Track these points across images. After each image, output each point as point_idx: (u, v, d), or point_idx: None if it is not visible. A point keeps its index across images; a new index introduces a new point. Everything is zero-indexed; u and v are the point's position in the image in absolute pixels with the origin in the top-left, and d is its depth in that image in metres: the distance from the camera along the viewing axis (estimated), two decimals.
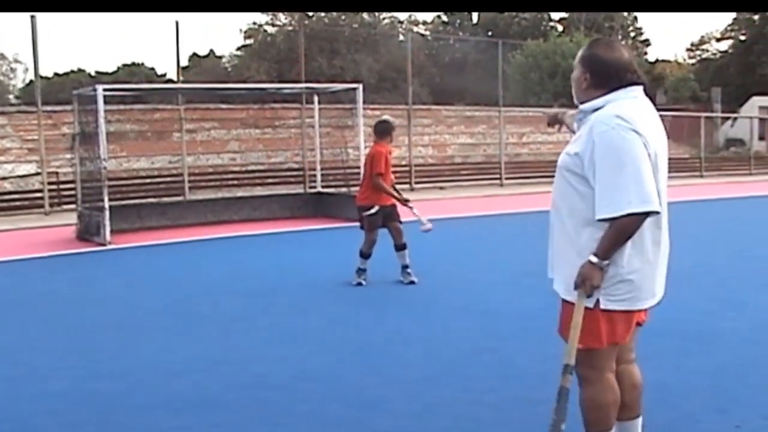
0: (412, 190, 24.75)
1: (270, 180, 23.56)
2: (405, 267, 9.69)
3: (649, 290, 3.81)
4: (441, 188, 26.21)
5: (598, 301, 3.72)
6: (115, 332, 7.61)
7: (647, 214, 3.57)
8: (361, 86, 17.06)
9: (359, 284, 9.60)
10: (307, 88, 20.08)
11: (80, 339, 7.40)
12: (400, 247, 9.71)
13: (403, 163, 25.53)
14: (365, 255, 9.70)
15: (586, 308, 3.73)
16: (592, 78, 3.78)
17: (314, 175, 19.48)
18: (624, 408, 4.04)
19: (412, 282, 9.59)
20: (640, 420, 4.15)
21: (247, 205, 17.44)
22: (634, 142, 3.56)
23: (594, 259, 3.64)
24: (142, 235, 14.98)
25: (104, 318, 8.28)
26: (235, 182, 23.49)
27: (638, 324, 3.97)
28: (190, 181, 21.48)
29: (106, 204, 13.98)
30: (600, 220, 3.61)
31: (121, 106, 24.45)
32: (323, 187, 18.86)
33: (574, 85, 3.87)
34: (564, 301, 3.87)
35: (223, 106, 27.81)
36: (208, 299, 9.10)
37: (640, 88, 3.77)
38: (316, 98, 18.86)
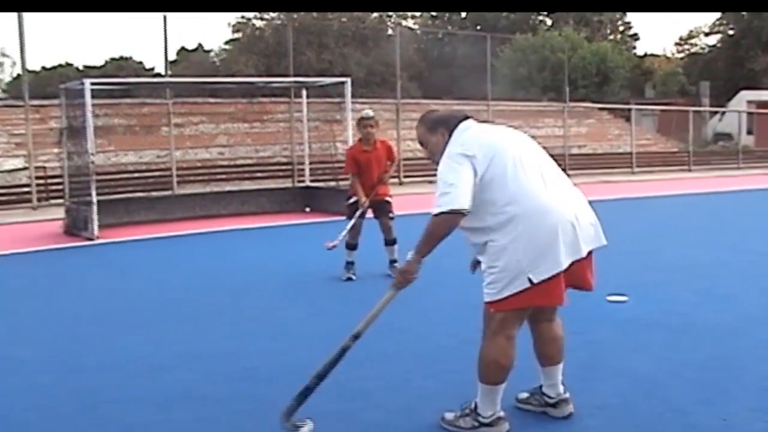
0: (401, 184, 24.75)
1: (258, 174, 23.52)
2: (393, 261, 9.61)
3: (553, 258, 4.35)
4: (431, 182, 26.17)
5: (529, 279, 4.33)
6: (101, 326, 7.60)
7: (456, 213, 4.28)
8: (349, 80, 16.99)
9: (349, 279, 9.55)
10: (295, 82, 19.96)
11: (67, 333, 7.40)
12: (389, 242, 9.71)
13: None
14: (350, 246, 9.64)
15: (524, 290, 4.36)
16: (447, 130, 4.58)
17: (303, 169, 19.48)
18: (546, 357, 4.83)
19: None
20: (560, 366, 4.86)
21: (236, 199, 17.39)
22: (456, 160, 4.35)
23: (414, 255, 4.46)
24: (130, 229, 14.93)
25: (91, 312, 8.27)
26: (224, 176, 23.42)
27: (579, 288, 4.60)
28: (178, 176, 21.41)
29: (94, 198, 13.94)
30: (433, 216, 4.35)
31: (109, 101, 24.34)
32: (312, 181, 18.86)
33: (437, 148, 4.59)
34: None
35: (212, 100, 27.79)
36: (195, 293, 9.09)
37: (467, 120, 4.61)
38: (304, 92, 18.84)
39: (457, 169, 4.30)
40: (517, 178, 4.36)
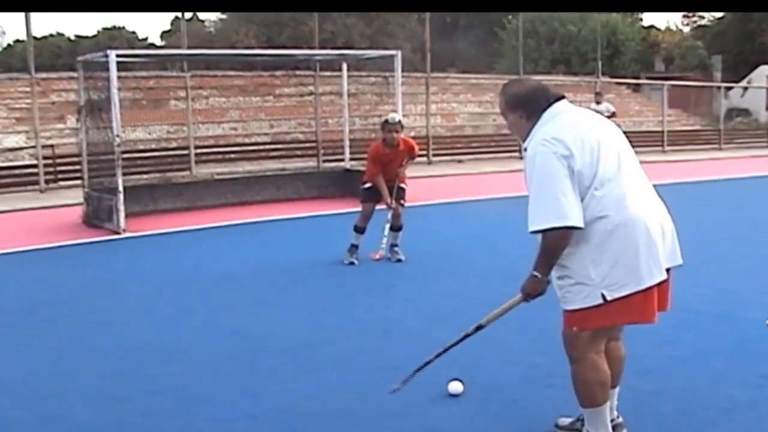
0: (429, 163, 23.08)
1: (274, 153, 21.72)
2: (394, 245, 9.80)
3: (636, 273, 3.98)
4: (459, 161, 24.36)
5: (603, 295, 3.98)
6: (159, 365, 5.96)
7: (568, 228, 3.91)
8: (399, 53, 15.09)
9: (351, 263, 9.57)
10: (340, 54, 17.75)
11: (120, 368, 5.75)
12: (395, 228, 9.80)
13: (422, 134, 23.77)
14: (358, 229, 9.70)
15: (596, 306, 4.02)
16: (525, 113, 4.16)
17: (334, 149, 17.88)
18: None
19: (399, 260, 9.69)
20: (616, 389, 4.49)
21: (271, 184, 15.65)
22: (554, 164, 3.92)
23: (536, 274, 4.07)
24: (156, 219, 13.33)
25: (143, 339, 6.67)
26: (239, 155, 21.57)
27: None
28: (196, 155, 19.68)
29: (120, 186, 12.27)
30: (531, 233, 4.02)
31: (123, 73, 22.45)
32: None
33: (516, 129, 4.25)
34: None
35: (231, 73, 25.89)
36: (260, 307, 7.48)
37: (560, 102, 4.14)
38: (345, 66, 16.86)
39: (559, 174, 3.92)
40: (611, 178, 3.99)
